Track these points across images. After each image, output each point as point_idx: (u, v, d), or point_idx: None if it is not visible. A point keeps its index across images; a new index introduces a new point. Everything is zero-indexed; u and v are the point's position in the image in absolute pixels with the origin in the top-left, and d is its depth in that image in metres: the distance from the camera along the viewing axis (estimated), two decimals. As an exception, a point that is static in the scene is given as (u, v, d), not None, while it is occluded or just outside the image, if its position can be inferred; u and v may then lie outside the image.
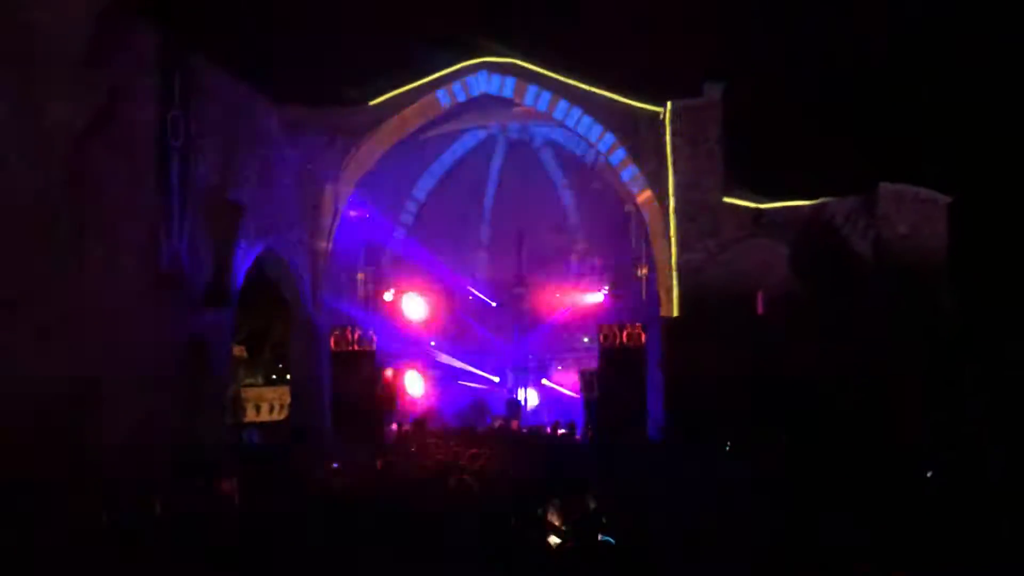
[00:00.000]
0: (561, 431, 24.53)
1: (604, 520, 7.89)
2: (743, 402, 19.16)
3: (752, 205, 21.14)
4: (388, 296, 26.48)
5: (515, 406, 27.30)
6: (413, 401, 26.89)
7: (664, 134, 21.88)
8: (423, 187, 27.53)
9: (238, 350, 24.24)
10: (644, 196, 22.33)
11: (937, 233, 19.09)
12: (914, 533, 7.80)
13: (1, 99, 13.51)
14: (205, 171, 18.31)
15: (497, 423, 25.50)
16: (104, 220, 15.21)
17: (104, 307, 14.96)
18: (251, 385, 24.99)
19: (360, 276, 25.72)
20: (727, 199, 21.24)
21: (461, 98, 23.43)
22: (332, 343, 22.76)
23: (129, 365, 15.36)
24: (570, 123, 23.11)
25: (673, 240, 21.54)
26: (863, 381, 17.99)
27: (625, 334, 22.64)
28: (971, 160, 20.35)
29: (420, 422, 24.18)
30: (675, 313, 21.59)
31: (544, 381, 28.33)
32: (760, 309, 21.01)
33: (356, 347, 22.79)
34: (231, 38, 18.95)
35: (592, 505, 8.64)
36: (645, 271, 24.12)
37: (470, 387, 28.12)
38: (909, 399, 17.29)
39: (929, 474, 12.38)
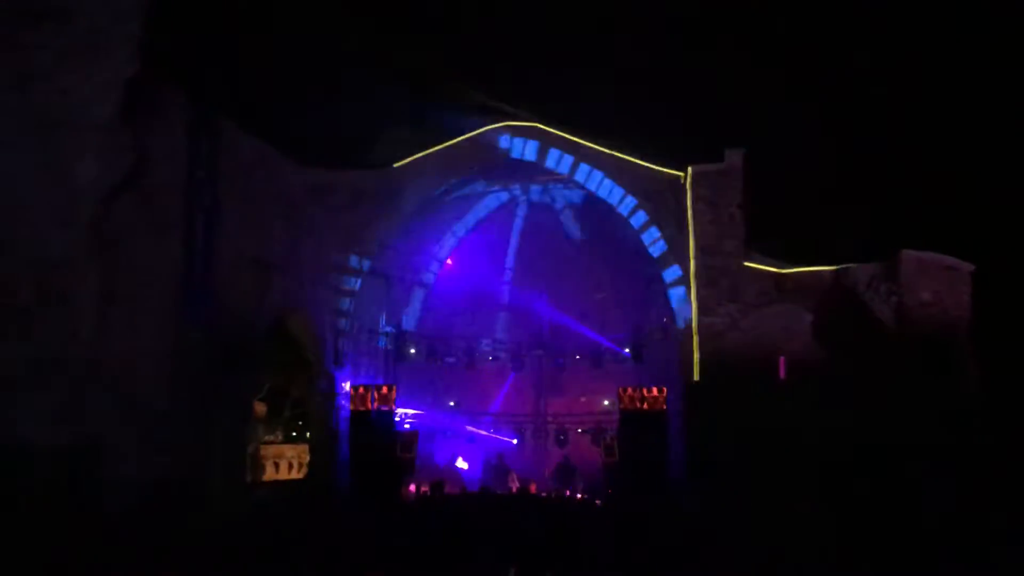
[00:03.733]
0: (580, 495, 24.28)
1: None
2: (767, 468, 18.88)
3: (773, 270, 21.07)
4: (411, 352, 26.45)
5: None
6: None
7: (685, 198, 21.96)
8: (445, 247, 27.71)
9: (259, 407, 24.22)
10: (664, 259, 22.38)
11: (961, 301, 18.87)
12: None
13: (32, 159, 13.86)
14: (230, 231, 18.59)
15: (516, 487, 25.21)
16: (129, 281, 15.45)
17: (126, 366, 15.12)
18: (270, 443, 24.85)
19: (383, 336, 25.77)
20: (748, 264, 21.18)
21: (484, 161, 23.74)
22: (352, 402, 22.71)
23: (150, 426, 15.47)
24: (591, 186, 23.28)
25: (694, 304, 21.46)
26: (885, 449, 17.67)
27: (646, 398, 22.42)
28: (997, 229, 20.19)
29: (438, 484, 23.96)
30: (696, 377, 21.40)
31: None
32: (783, 374, 20.77)
33: (375, 407, 22.70)
34: (258, 102, 19.35)
35: None
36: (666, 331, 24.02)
37: (492, 446, 27.89)
38: (930, 467, 16.95)
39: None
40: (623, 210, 22.97)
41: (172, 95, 16.78)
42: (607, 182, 22.94)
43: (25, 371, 13.78)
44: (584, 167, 23.09)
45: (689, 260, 21.71)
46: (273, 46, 19.16)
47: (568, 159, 23.23)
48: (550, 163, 23.48)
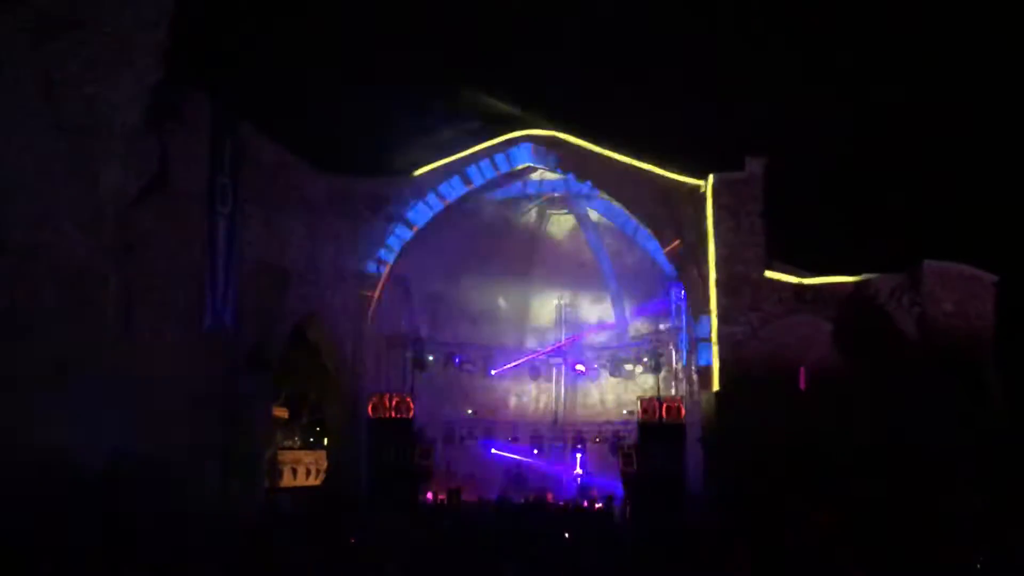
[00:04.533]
0: (598, 505, 24.16)
1: None
2: (786, 478, 18.75)
3: (794, 280, 20.95)
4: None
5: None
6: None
7: (705, 207, 21.87)
8: (464, 255, 27.65)
9: (278, 411, 24.30)
10: (684, 268, 22.29)
11: (984, 312, 18.69)
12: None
13: (57, 165, 14.00)
14: (251, 237, 18.72)
15: (532, 497, 25.14)
16: (151, 285, 15.58)
17: (148, 373, 15.22)
18: (288, 448, 24.97)
19: (401, 342, 25.77)
20: (769, 273, 21.05)
21: (504, 169, 23.79)
22: (370, 409, 22.71)
23: (170, 430, 15.55)
24: (611, 194, 23.22)
25: (714, 313, 21.35)
26: (907, 461, 17.52)
27: (665, 407, 22.35)
28: (1020, 239, 20.04)
29: (455, 492, 23.93)
30: (716, 387, 21.30)
31: None
32: (803, 385, 20.63)
33: (394, 414, 22.70)
34: (280, 109, 19.49)
35: None
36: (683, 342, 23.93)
37: (511, 457, 27.82)
38: (953, 480, 16.78)
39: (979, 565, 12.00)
40: (643, 218, 22.92)
41: (196, 102, 16.93)
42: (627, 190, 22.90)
43: (49, 373, 13.90)
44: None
45: (709, 269, 21.61)
46: (295, 55, 19.29)
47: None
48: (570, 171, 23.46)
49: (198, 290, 17.20)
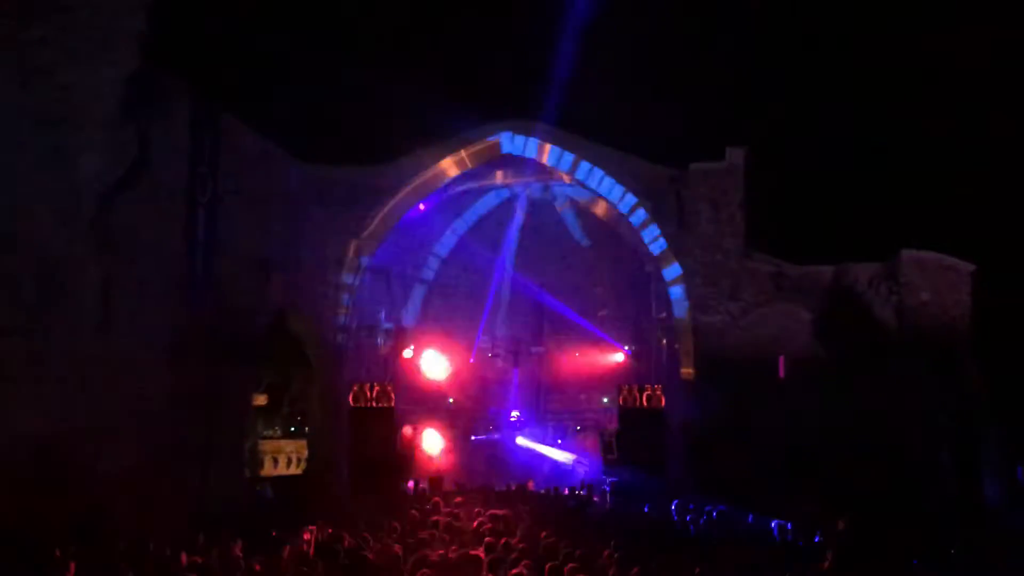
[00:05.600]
0: (579, 492, 24.27)
1: None
2: (766, 466, 18.92)
3: (773, 269, 21.09)
4: (408, 353, 26.34)
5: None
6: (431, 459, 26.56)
7: (685, 196, 21.94)
8: (445, 244, 27.67)
9: (259, 400, 24.21)
10: (664, 257, 22.38)
11: (961, 301, 18.93)
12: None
13: (34, 155, 13.86)
14: (231, 226, 18.58)
15: (514, 485, 25.21)
16: (130, 276, 15.46)
17: (126, 361, 15.14)
18: (269, 437, 24.87)
19: (381, 332, 25.72)
20: (748, 262, 21.19)
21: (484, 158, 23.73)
22: (351, 398, 22.72)
23: (150, 422, 15.49)
24: (592, 184, 23.25)
25: (694, 302, 21.46)
26: (885, 448, 17.73)
27: (645, 395, 22.47)
28: (997, 228, 20.22)
29: (436, 481, 23.96)
30: (695, 375, 21.43)
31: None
32: (782, 373, 20.82)
33: (375, 403, 22.72)
34: (260, 98, 19.35)
35: None
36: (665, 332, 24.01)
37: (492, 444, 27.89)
38: (932, 467, 17.01)
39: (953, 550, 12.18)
40: (623, 208, 22.95)
41: (174, 90, 16.76)
42: (607, 180, 22.90)
43: (27, 365, 13.81)
44: (585, 165, 23.04)
45: (689, 258, 21.70)
46: (276, 42, 19.14)
47: (569, 157, 23.17)
48: (551, 161, 23.43)
49: (178, 280, 17.08)
